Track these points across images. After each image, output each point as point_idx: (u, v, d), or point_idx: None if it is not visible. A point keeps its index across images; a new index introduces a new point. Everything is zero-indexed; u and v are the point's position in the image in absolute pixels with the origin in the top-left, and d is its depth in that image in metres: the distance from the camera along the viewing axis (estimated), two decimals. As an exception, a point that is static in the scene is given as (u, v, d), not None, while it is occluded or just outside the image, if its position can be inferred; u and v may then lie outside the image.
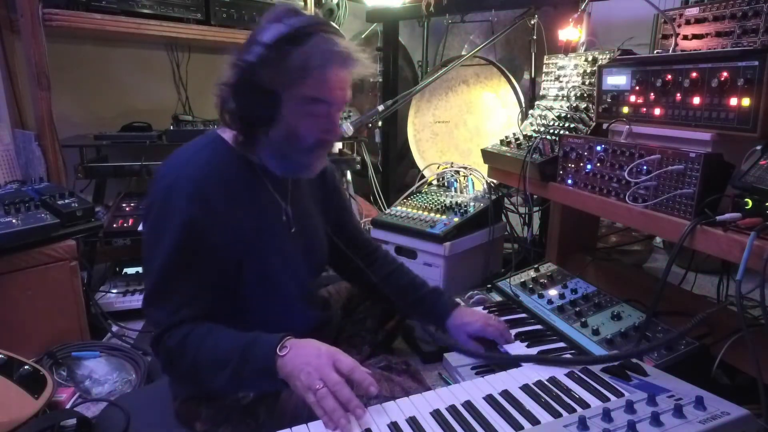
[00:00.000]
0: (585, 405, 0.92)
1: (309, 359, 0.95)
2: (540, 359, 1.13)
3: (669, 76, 1.36)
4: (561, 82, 1.94)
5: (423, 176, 2.62)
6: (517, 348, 1.35)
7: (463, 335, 1.38)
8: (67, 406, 1.39)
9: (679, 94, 1.34)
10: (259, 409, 1.11)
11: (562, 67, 1.93)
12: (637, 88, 1.47)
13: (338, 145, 2.90)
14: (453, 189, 2.31)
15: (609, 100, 1.58)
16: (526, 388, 0.99)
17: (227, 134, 1.17)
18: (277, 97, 1.05)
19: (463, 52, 3.22)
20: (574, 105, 1.83)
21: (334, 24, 1.15)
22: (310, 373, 0.93)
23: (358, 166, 2.80)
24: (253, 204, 1.16)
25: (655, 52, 1.61)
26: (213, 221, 1.08)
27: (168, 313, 1.05)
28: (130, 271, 2.26)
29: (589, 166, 1.52)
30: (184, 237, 1.05)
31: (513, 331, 1.40)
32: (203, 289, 1.09)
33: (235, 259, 1.12)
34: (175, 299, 1.06)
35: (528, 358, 1.15)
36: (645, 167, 1.32)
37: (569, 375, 1.03)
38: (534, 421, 0.89)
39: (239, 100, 1.07)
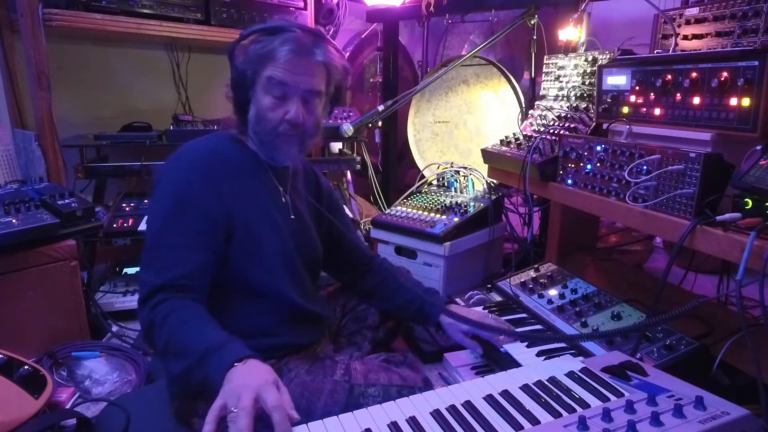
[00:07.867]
0: (585, 405, 0.92)
1: (243, 379, 0.92)
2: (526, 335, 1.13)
3: (669, 76, 1.36)
4: (561, 82, 1.94)
5: (423, 176, 2.62)
6: (517, 348, 1.35)
7: (459, 334, 1.39)
8: (67, 406, 1.39)
9: (679, 94, 1.34)
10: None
11: (562, 67, 1.93)
12: (637, 88, 1.47)
13: (338, 145, 2.90)
14: (453, 189, 2.31)
15: (609, 100, 1.58)
16: (526, 388, 0.99)
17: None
18: (249, 79, 1.19)
19: (463, 52, 3.22)
20: (574, 105, 1.83)
21: (323, 35, 1.25)
22: (232, 390, 0.90)
23: (358, 166, 2.79)
24: (254, 185, 1.25)
25: (655, 52, 1.61)
26: (213, 192, 1.16)
27: (155, 273, 1.09)
28: (130, 271, 2.26)
29: (589, 166, 1.52)
30: (180, 201, 1.14)
31: (513, 331, 1.40)
32: (193, 253, 1.12)
33: (230, 229, 1.17)
34: (164, 259, 1.10)
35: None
36: (645, 167, 1.32)
37: (569, 375, 1.03)
38: (534, 421, 0.89)
39: (231, 83, 1.23)
